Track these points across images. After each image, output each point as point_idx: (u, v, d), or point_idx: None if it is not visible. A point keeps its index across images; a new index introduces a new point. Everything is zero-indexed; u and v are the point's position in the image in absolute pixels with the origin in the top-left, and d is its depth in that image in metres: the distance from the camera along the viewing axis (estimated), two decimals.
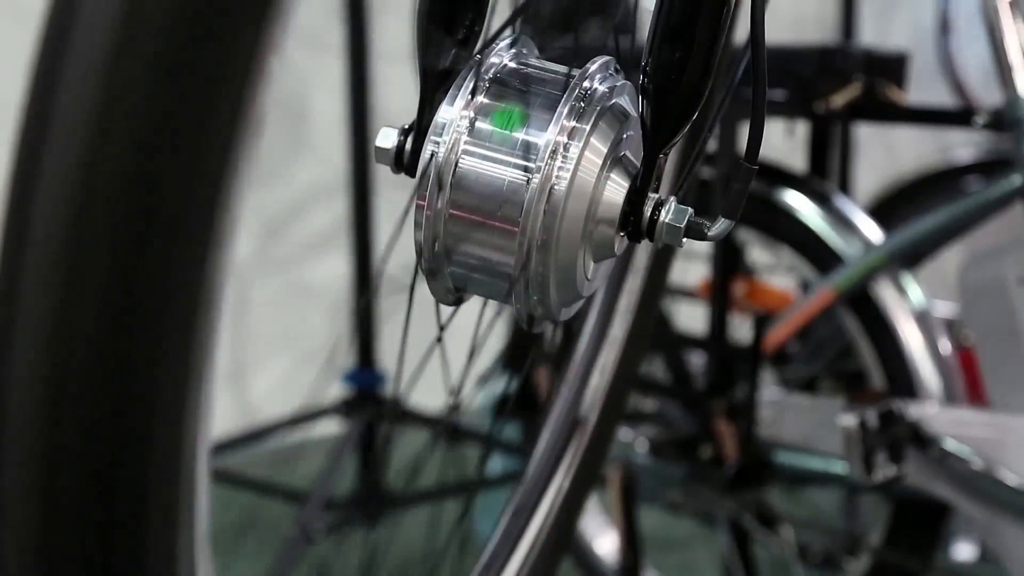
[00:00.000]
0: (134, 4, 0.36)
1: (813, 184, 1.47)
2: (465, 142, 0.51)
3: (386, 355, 2.02)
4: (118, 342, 0.38)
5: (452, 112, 0.52)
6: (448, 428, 1.81)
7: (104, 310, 0.37)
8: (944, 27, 1.53)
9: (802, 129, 1.55)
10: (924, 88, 1.58)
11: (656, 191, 0.54)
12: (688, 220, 0.54)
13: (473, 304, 0.60)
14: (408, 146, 0.54)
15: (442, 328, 0.61)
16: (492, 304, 0.60)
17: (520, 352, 1.35)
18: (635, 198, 0.53)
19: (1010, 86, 1.23)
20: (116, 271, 0.37)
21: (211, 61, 0.37)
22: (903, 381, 1.33)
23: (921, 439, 1.24)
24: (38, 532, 0.39)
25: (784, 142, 1.50)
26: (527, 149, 0.51)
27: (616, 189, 0.53)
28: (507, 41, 0.55)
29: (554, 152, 0.51)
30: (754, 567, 1.53)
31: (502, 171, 0.51)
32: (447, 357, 0.65)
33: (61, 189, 0.37)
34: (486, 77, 0.53)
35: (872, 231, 1.40)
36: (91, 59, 0.37)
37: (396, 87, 1.99)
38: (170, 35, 0.36)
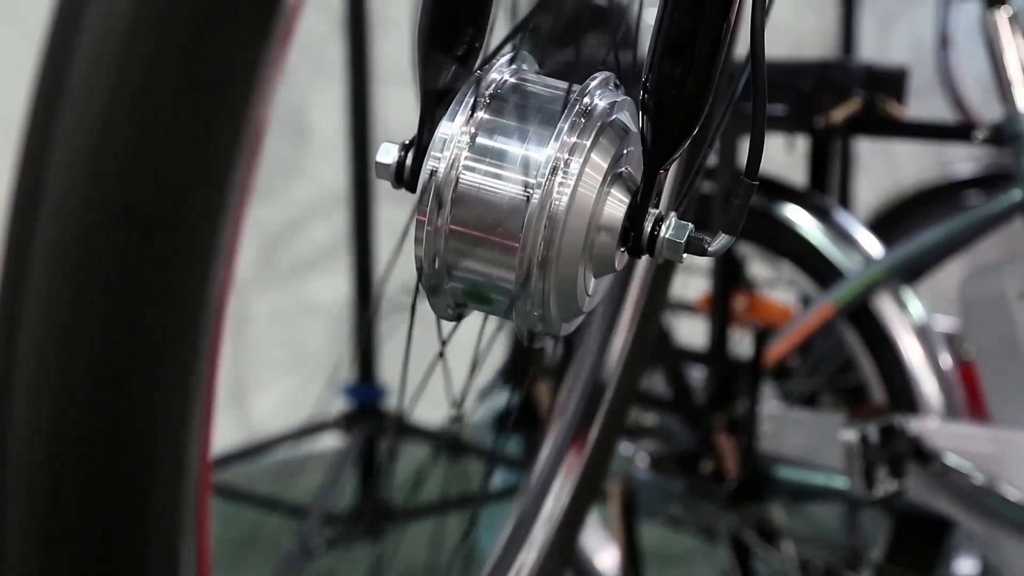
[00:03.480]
0: (138, 18, 0.36)
1: (813, 198, 1.47)
2: (466, 158, 0.51)
3: (386, 369, 2.02)
4: (120, 358, 0.38)
5: (453, 128, 0.52)
6: (449, 442, 1.80)
7: (106, 325, 0.37)
8: (944, 42, 1.53)
9: (802, 144, 1.55)
10: (924, 103, 1.58)
11: (656, 206, 0.54)
12: (688, 235, 0.54)
13: (474, 319, 0.60)
14: (409, 162, 0.54)
15: (444, 343, 0.61)
16: (493, 319, 0.60)
17: (521, 367, 1.35)
18: (635, 213, 0.54)
19: (1009, 101, 1.23)
20: (118, 286, 0.37)
21: (213, 76, 0.37)
22: (904, 396, 1.32)
23: (922, 454, 1.24)
24: (40, 549, 0.39)
25: (784, 157, 1.50)
26: (528, 165, 0.51)
27: (616, 205, 0.53)
28: (507, 57, 0.55)
29: (555, 168, 0.51)
30: None
31: (503, 187, 0.51)
32: (449, 372, 0.65)
33: (63, 201, 0.37)
34: (486, 93, 0.53)
35: (872, 245, 1.40)
36: (93, 73, 0.37)
37: (396, 103, 1.99)
38: (172, 47, 0.36)
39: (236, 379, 2.33)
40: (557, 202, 0.51)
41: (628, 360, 0.95)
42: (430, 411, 0.80)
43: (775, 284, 1.58)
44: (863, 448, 1.22)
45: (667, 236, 0.54)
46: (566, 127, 0.51)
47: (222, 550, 1.85)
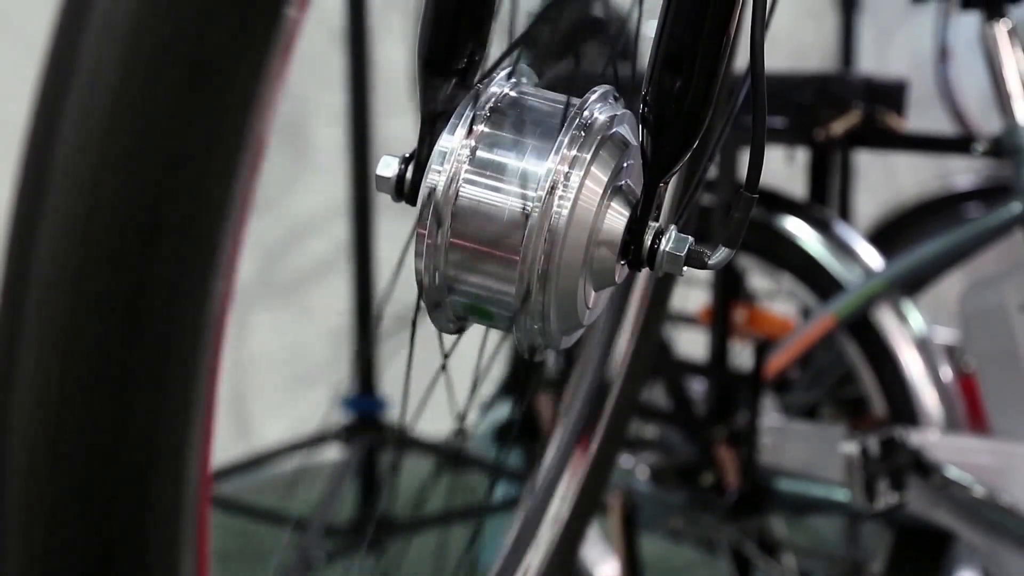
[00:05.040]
0: (139, 31, 0.36)
1: (813, 211, 1.47)
2: (466, 171, 0.52)
3: (387, 381, 2.02)
4: (120, 369, 0.38)
5: (453, 141, 0.52)
6: (450, 456, 1.80)
7: (106, 337, 0.37)
8: (943, 55, 1.54)
9: (802, 156, 1.56)
10: (923, 115, 1.58)
11: (656, 220, 0.55)
12: (688, 249, 0.54)
13: (476, 333, 0.60)
14: (409, 175, 0.54)
15: (446, 356, 0.61)
16: (494, 332, 0.60)
17: (522, 380, 1.35)
18: (635, 227, 0.54)
19: (1009, 114, 1.23)
20: (118, 297, 0.37)
21: (214, 88, 0.37)
22: (904, 408, 1.32)
23: (923, 466, 1.24)
24: (39, 561, 0.39)
25: (784, 169, 1.50)
26: (528, 178, 0.51)
27: (616, 218, 0.53)
28: (507, 70, 0.55)
29: (555, 181, 0.51)
30: None
31: (503, 200, 0.51)
32: (452, 385, 0.64)
33: (64, 212, 0.37)
34: (486, 107, 0.53)
35: (872, 258, 1.40)
36: (94, 87, 0.37)
37: (397, 115, 1.99)
38: (173, 59, 0.37)
39: (236, 391, 2.33)
40: (557, 215, 0.51)
41: (629, 372, 0.95)
42: (431, 424, 0.80)
43: (775, 296, 1.58)
44: (863, 460, 1.22)
45: (667, 249, 0.54)
46: (566, 140, 0.52)
47: (222, 562, 1.84)
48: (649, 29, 0.55)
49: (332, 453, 2.08)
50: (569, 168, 0.51)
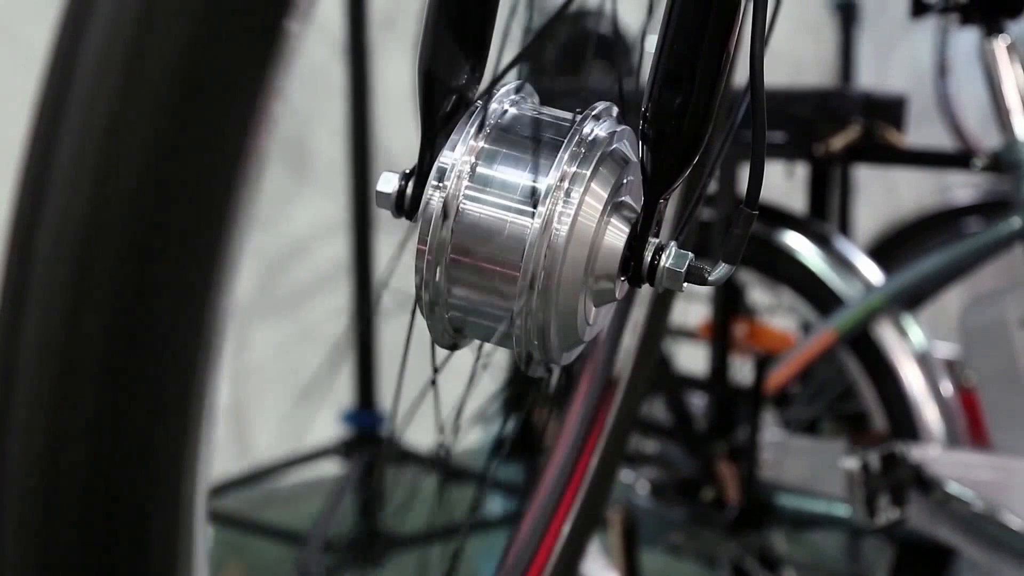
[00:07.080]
0: (139, 44, 0.36)
1: (813, 226, 1.47)
2: (466, 187, 0.52)
3: (386, 396, 2.02)
4: (119, 382, 0.38)
5: (453, 157, 0.52)
6: (449, 469, 1.80)
7: (105, 351, 0.37)
8: (942, 70, 1.54)
9: (802, 171, 1.56)
10: (923, 130, 1.59)
11: (656, 235, 0.54)
12: (688, 265, 0.54)
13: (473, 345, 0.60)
14: (409, 191, 0.54)
15: (436, 370, 0.61)
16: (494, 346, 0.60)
17: (521, 393, 1.35)
18: (635, 243, 0.54)
19: (1008, 129, 1.24)
20: (117, 311, 0.37)
21: (214, 102, 0.37)
22: (905, 423, 1.32)
23: (924, 482, 1.24)
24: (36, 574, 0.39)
25: (784, 184, 1.50)
26: (528, 194, 0.51)
27: (616, 234, 0.53)
28: (508, 86, 0.55)
29: (555, 197, 0.51)
30: None
31: (503, 216, 0.51)
32: (443, 398, 0.64)
33: (63, 225, 0.37)
34: (487, 122, 0.53)
35: (872, 272, 1.40)
36: (95, 102, 0.37)
37: (397, 129, 2.00)
38: (174, 76, 0.37)
39: (235, 403, 2.33)
40: (557, 231, 0.51)
41: (629, 387, 0.95)
42: (431, 436, 0.80)
43: (775, 311, 1.58)
44: (864, 476, 1.22)
45: (667, 265, 0.53)
46: (566, 156, 0.52)
47: None
48: (650, 45, 0.55)
49: (331, 468, 2.07)
50: (569, 184, 0.51)
